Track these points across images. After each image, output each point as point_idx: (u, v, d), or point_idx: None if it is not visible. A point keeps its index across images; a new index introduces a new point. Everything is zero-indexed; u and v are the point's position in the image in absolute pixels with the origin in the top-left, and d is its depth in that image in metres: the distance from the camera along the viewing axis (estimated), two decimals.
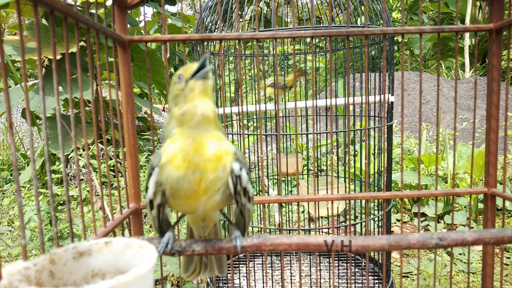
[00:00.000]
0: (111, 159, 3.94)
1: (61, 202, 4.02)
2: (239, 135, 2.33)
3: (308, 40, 2.97)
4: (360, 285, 2.10)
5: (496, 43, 1.07)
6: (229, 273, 2.18)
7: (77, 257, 0.59)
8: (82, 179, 4.45)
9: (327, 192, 2.10)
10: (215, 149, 0.67)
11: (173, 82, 0.70)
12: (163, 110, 7.41)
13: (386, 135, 2.00)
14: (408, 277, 2.65)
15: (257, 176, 2.91)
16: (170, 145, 0.68)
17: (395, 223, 3.46)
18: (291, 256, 2.42)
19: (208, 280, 2.06)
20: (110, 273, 0.61)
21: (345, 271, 2.22)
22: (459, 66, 9.81)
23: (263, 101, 2.26)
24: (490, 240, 0.75)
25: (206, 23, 2.04)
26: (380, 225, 2.19)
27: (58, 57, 3.84)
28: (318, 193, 1.95)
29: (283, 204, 3.57)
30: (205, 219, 0.80)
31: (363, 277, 2.17)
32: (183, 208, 0.73)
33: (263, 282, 2.09)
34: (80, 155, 3.73)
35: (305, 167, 3.74)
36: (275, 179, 3.35)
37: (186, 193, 0.68)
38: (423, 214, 3.51)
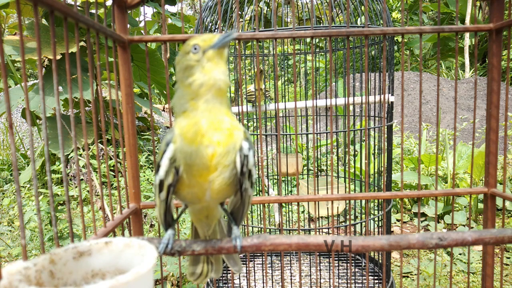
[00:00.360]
0: (111, 159, 3.94)
1: (61, 202, 4.02)
2: None
3: (308, 40, 2.97)
4: (360, 285, 2.10)
5: (496, 43, 1.07)
6: (229, 273, 2.18)
7: (77, 257, 0.59)
8: (82, 179, 4.45)
9: (327, 192, 2.10)
10: (228, 125, 0.67)
11: (184, 52, 0.68)
12: (163, 110, 7.41)
13: (386, 135, 2.00)
14: (408, 277, 2.65)
15: (257, 176, 2.91)
16: (184, 120, 0.67)
17: (395, 223, 3.46)
18: (291, 256, 2.42)
19: (208, 280, 2.06)
20: (110, 273, 0.61)
21: (345, 271, 2.22)
22: (459, 66, 9.81)
23: (263, 101, 2.26)
24: (490, 240, 0.75)
25: (206, 23, 2.04)
26: (380, 225, 2.19)
27: (58, 57, 3.84)
28: (318, 193, 1.95)
29: (283, 204, 3.57)
30: (208, 215, 0.79)
31: (363, 277, 2.17)
32: (191, 191, 0.70)
33: (263, 282, 2.09)
34: (80, 155, 3.73)
35: (305, 167, 3.74)
36: (275, 179, 3.35)
37: (198, 170, 0.66)
38: (423, 214, 3.51)
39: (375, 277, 2.15)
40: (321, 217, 3.13)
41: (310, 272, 2.18)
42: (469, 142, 5.90)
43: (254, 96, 2.22)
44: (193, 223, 0.83)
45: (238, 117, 2.67)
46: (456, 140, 2.81)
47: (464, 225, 3.29)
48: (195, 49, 0.67)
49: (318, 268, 2.28)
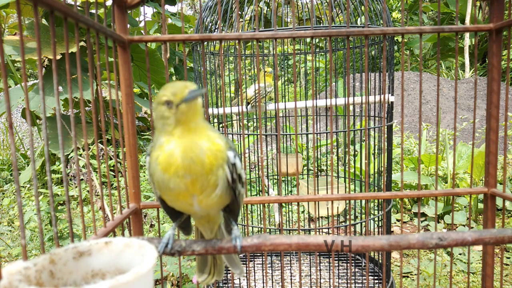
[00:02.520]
0: (111, 159, 3.94)
1: (61, 202, 4.02)
2: (239, 135, 2.33)
3: (308, 40, 2.97)
4: (360, 285, 2.10)
5: (496, 43, 1.07)
6: (229, 273, 2.18)
7: (77, 257, 0.59)
8: (82, 179, 4.45)
9: (327, 192, 2.10)
10: (207, 144, 0.68)
11: (158, 103, 0.69)
12: None
13: (386, 135, 2.00)
14: (408, 277, 2.65)
15: (257, 176, 2.91)
16: (159, 151, 0.68)
17: (395, 223, 3.46)
18: (291, 256, 2.42)
19: None
20: (110, 273, 0.61)
21: (345, 271, 2.22)
22: (459, 66, 9.80)
23: (263, 101, 2.26)
24: (490, 240, 0.75)
25: (206, 23, 2.04)
26: (380, 225, 2.19)
27: (58, 57, 3.84)
28: (318, 193, 1.95)
29: (283, 204, 3.57)
30: (209, 220, 0.81)
31: (363, 277, 2.17)
32: (175, 205, 0.74)
33: (263, 282, 2.09)
34: (80, 155, 3.73)
35: (305, 167, 3.74)
36: (275, 179, 3.35)
37: (174, 191, 0.69)
38: (423, 214, 3.51)
39: (375, 277, 2.15)
40: (321, 217, 3.13)
41: (310, 272, 2.18)
42: (469, 142, 5.90)
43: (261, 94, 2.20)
44: (198, 228, 0.86)
45: (238, 117, 2.67)
46: (456, 140, 2.80)
47: (464, 225, 3.29)
48: (168, 104, 0.67)
49: (318, 268, 2.28)
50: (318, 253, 2.33)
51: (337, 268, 2.16)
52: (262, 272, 2.26)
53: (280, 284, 2.11)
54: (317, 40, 5.19)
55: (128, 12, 1.06)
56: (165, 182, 0.68)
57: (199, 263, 0.88)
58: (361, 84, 1.93)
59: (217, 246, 0.76)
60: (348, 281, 2.02)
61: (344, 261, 2.34)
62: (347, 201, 1.31)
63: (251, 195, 2.06)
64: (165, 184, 0.68)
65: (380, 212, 2.13)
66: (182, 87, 0.67)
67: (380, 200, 2.01)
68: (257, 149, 4.58)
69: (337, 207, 2.07)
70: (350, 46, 2.31)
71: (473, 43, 9.77)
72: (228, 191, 0.73)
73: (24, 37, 3.85)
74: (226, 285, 2.12)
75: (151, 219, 3.37)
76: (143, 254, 0.59)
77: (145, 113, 6.18)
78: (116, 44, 1.00)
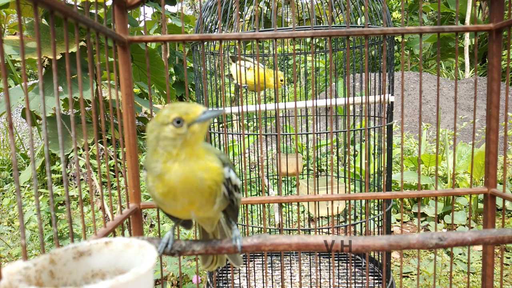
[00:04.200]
0: (111, 159, 3.93)
1: (61, 202, 4.02)
2: (239, 135, 2.33)
3: (308, 40, 2.97)
4: (360, 285, 2.10)
5: (496, 43, 1.06)
6: (229, 273, 2.18)
7: (77, 257, 0.59)
8: (82, 179, 4.45)
9: (327, 192, 2.10)
10: (209, 181, 0.68)
11: (161, 123, 0.65)
12: None
13: (386, 135, 2.00)
14: (408, 277, 2.65)
15: (257, 176, 2.91)
16: (156, 179, 0.67)
17: (395, 223, 3.46)
18: (291, 256, 2.42)
19: (208, 280, 2.06)
20: (110, 273, 0.61)
21: (345, 271, 2.22)
22: (459, 66, 9.80)
23: (263, 101, 2.26)
24: (490, 240, 0.75)
25: (206, 23, 2.04)
26: (380, 225, 2.19)
27: (58, 57, 3.84)
28: (318, 193, 1.95)
29: (283, 204, 3.57)
30: (209, 218, 0.82)
31: (363, 277, 2.17)
32: (173, 215, 0.75)
33: (263, 282, 2.09)
34: (80, 155, 3.73)
35: (305, 167, 3.74)
36: (275, 179, 3.35)
37: (170, 208, 0.71)
38: (423, 214, 3.51)
39: (375, 277, 2.15)
40: (321, 217, 3.13)
41: (310, 272, 2.18)
42: (469, 142, 5.90)
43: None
44: (198, 223, 0.87)
45: (238, 117, 2.67)
46: (456, 140, 2.80)
47: (464, 225, 3.29)
48: (178, 122, 0.64)
49: (318, 268, 2.28)
50: (318, 253, 2.33)
51: (337, 268, 2.16)
52: (262, 272, 2.26)
53: (280, 284, 2.11)
54: (317, 40, 5.19)
55: (128, 12, 1.06)
56: (162, 201, 0.69)
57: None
58: (361, 84, 1.93)
59: (217, 246, 0.76)
60: (348, 281, 2.02)
61: (344, 261, 2.34)
62: (347, 201, 1.31)
63: (251, 195, 2.06)
64: (162, 203, 0.70)
65: (380, 212, 2.13)
66: (193, 106, 0.65)
67: (380, 200, 2.01)
68: (257, 149, 4.58)
69: (337, 207, 2.07)
70: (350, 46, 2.31)
71: (473, 43, 9.76)
72: (225, 200, 0.73)
73: (24, 37, 3.85)
74: (226, 285, 2.12)
75: (151, 219, 3.37)
76: (143, 254, 0.59)
77: (145, 113, 6.18)
78: (116, 44, 1.00)
